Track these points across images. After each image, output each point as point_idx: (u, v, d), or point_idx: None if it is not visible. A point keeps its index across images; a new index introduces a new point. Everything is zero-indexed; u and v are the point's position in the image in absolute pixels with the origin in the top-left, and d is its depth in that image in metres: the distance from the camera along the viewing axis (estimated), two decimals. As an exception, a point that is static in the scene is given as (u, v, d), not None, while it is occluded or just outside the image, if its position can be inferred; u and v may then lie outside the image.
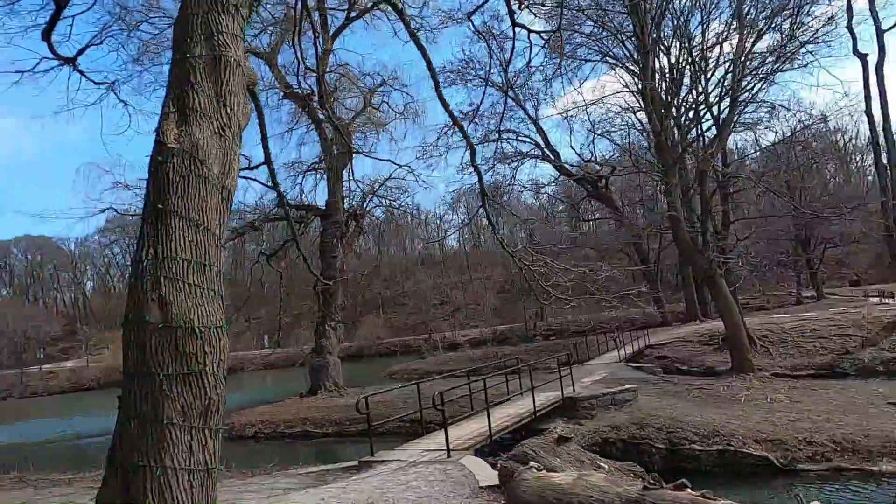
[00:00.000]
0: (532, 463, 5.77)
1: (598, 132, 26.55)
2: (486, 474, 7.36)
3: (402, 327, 68.01)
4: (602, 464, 7.85)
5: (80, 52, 7.49)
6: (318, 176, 22.50)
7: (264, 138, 7.63)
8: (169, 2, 17.07)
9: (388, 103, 21.86)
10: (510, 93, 27.12)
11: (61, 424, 30.81)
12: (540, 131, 30.02)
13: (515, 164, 30.67)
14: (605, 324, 36.45)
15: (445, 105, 7.53)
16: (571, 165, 31.98)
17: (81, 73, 7.89)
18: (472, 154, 8.18)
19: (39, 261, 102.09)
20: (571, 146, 53.64)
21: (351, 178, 22.18)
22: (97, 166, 22.20)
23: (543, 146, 30.27)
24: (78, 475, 9.09)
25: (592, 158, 30.31)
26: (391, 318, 70.37)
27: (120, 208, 20.74)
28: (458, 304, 66.49)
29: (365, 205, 22.95)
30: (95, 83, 9.05)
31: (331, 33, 18.86)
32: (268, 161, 8.11)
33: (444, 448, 8.57)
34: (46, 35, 7.26)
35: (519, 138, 30.50)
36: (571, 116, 27.44)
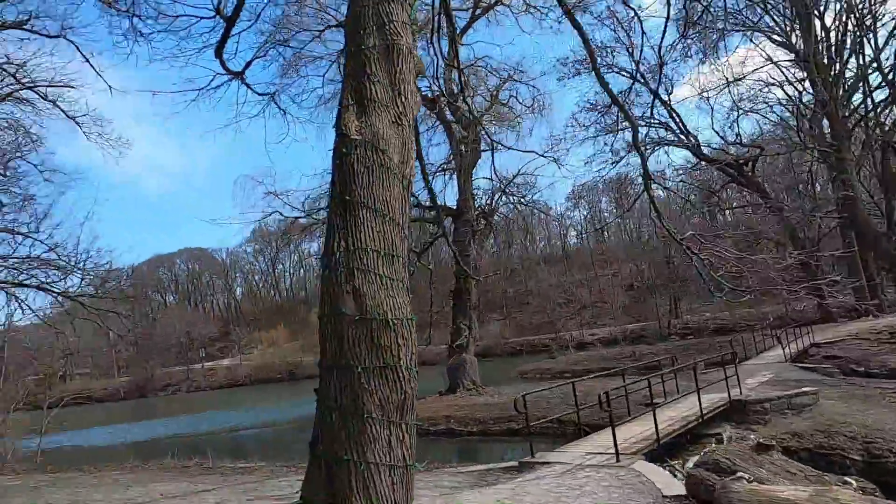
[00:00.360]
0: (741, 473, 5.09)
1: (743, 111, 24.20)
2: (666, 482, 6.72)
3: (527, 326, 67.23)
4: (849, 479, 6.80)
5: (247, 65, 8.03)
6: (447, 176, 22.77)
7: (417, 134, 7.60)
8: (311, 17, 18.07)
9: (516, 97, 21.60)
10: (639, 76, 25.66)
11: (224, 417, 33.89)
12: (673, 115, 28.05)
13: (649, 152, 28.91)
14: (755, 321, 33.22)
15: (603, 83, 7.02)
16: (712, 149, 29.53)
17: (248, 85, 8.50)
18: (635, 134, 7.59)
19: (198, 270, 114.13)
20: (713, 128, 49.47)
21: (493, 172, 22.07)
22: (251, 178, 24.06)
23: (678, 131, 28.26)
24: (254, 464, 9.72)
25: (738, 140, 27.73)
26: (515, 318, 69.91)
27: (270, 216, 22.27)
28: (584, 302, 64.45)
29: (494, 203, 22.85)
30: (259, 94, 9.73)
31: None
32: (420, 158, 8.08)
33: (610, 452, 8.02)
34: (218, 52, 7.75)
35: (650, 125, 28.77)
36: (707, 97, 25.33)
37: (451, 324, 21.61)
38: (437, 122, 23.63)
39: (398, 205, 4.33)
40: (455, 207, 21.71)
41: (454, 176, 23.17)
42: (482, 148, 22.10)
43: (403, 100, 4.67)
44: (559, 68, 26.78)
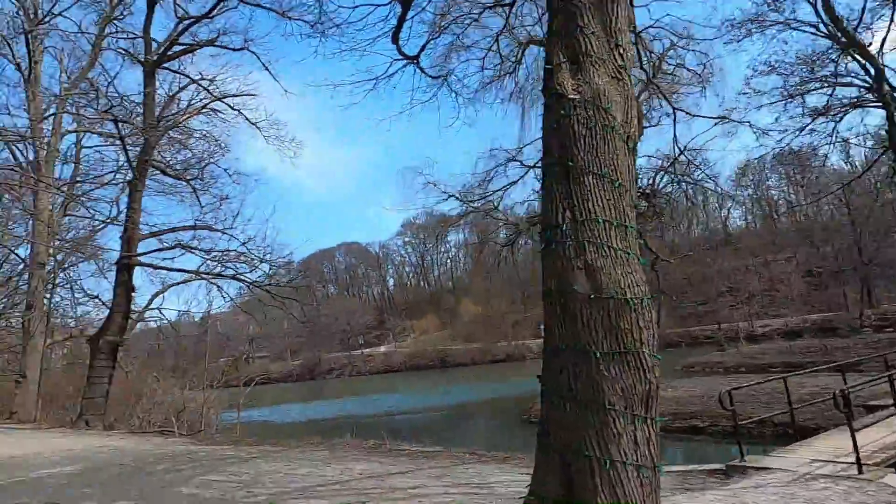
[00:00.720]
0: None
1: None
2: (937, 503, 5.45)
3: (685, 317, 62.66)
4: None
5: (422, 49, 8.02)
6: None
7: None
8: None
9: (684, 65, 19.73)
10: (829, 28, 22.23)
11: (383, 400, 35.64)
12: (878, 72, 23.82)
13: (840, 115, 24.99)
14: None
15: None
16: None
17: (422, 69, 8.53)
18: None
19: (354, 263, 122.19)
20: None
21: (675, 143, 20.33)
22: (412, 169, 24.83)
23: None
24: (431, 448, 9.80)
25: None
26: (673, 307, 65.37)
27: (426, 205, 22.81)
28: (752, 290, 58.26)
29: (657, 183, 21.17)
30: (432, 77, 9.76)
31: None
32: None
33: (845, 461, 6.79)
34: (394, 37, 7.72)
35: (839, 84, 24.81)
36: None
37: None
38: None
39: (625, 169, 3.81)
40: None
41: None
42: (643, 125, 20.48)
43: (621, 52, 4.13)
44: (727, 31, 24.06)
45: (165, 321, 23.74)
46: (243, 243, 16.57)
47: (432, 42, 9.26)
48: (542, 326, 3.77)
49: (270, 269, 16.82)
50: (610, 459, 3.22)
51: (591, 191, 3.64)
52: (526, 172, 18.67)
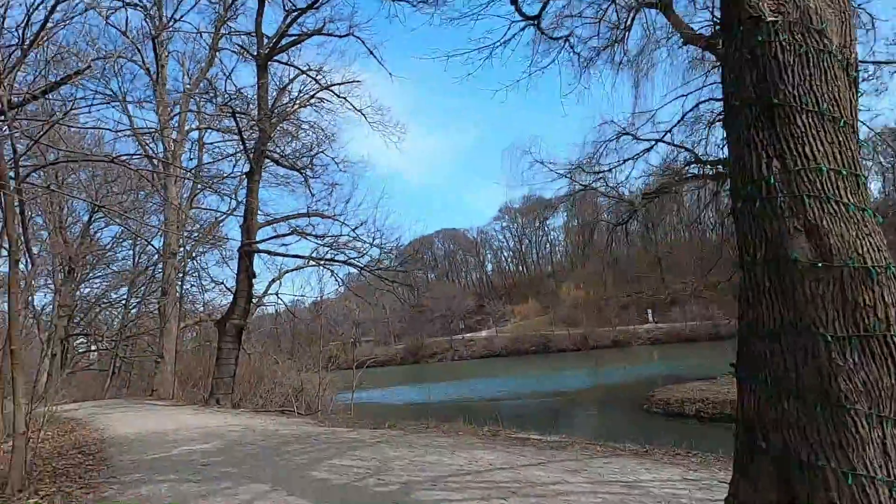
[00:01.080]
0: None
1: None
2: None
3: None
4: None
5: (543, 7, 7.36)
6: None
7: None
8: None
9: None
10: None
11: (486, 385, 35.42)
12: None
13: None
14: None
15: None
16: None
17: (542, 30, 7.87)
18: None
19: (452, 249, 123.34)
20: None
21: None
22: (518, 148, 24.17)
23: None
24: (554, 438, 9.26)
25: None
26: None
27: (535, 185, 22.03)
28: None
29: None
30: (553, 38, 9.06)
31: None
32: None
33: None
34: (513, -2, 7.10)
35: None
36: None
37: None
38: (704, 52, 20.57)
39: (848, 103, 3.00)
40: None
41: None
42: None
43: (832, -43, 3.27)
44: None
45: (282, 306, 24.91)
46: (353, 229, 16.85)
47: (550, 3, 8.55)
48: (740, 302, 3.07)
49: (381, 253, 16.98)
50: (853, 472, 2.50)
51: (807, 132, 2.88)
52: (653, 145, 17.37)
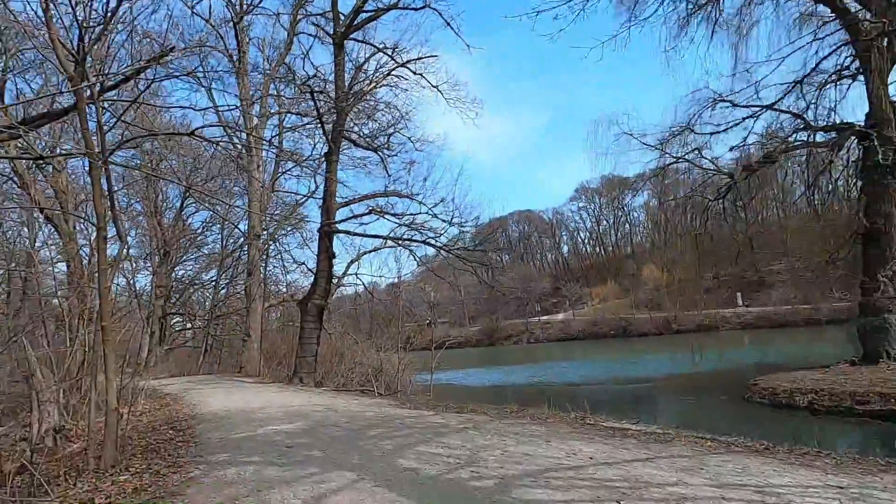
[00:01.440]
0: None
1: None
2: None
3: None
4: None
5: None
6: (847, 85, 17.44)
7: None
8: None
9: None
10: None
11: (563, 369, 34.45)
12: None
13: None
14: None
15: None
16: None
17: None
18: None
19: (527, 231, 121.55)
20: None
21: None
22: (604, 120, 22.88)
23: None
24: (648, 428, 8.46)
25: None
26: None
27: (621, 159, 20.77)
28: None
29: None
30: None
31: None
32: None
33: None
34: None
35: None
36: None
37: (860, 274, 16.81)
38: (816, 6, 18.45)
39: None
40: (863, 124, 16.54)
41: (855, 82, 17.75)
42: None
43: None
44: None
45: (361, 286, 25.11)
46: (431, 208, 16.44)
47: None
48: None
49: (459, 232, 16.50)
50: None
51: None
52: (759, 112, 15.79)
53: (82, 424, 9.56)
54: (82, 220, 17.67)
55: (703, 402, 16.47)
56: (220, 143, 12.61)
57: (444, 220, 16.17)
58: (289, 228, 28.94)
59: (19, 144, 12.40)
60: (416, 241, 17.00)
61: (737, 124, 17.91)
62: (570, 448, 6.37)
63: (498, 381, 31.42)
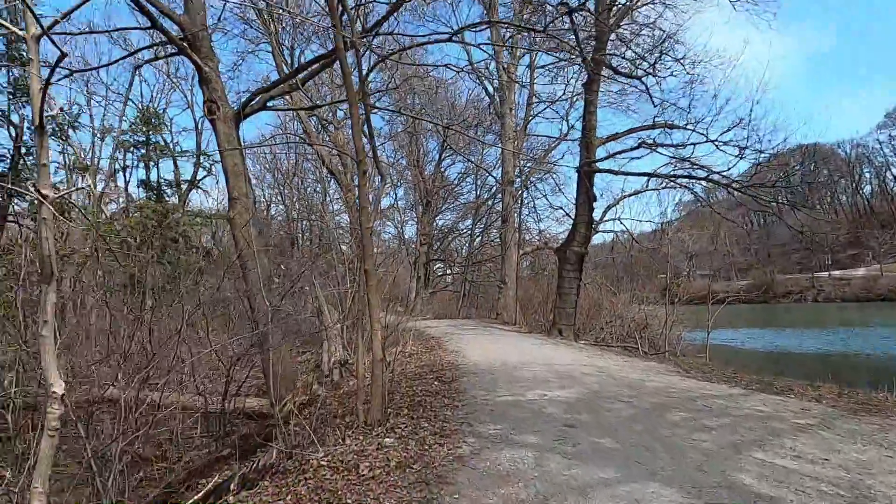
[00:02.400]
0: None
1: None
2: None
3: None
4: None
5: None
6: None
7: None
8: None
9: None
10: None
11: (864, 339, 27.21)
12: None
13: None
14: None
15: None
16: None
17: None
18: None
19: (811, 169, 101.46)
20: None
21: None
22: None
23: None
24: None
25: None
26: None
27: None
28: None
29: None
30: None
31: None
32: None
33: None
34: None
35: None
36: None
37: None
38: None
39: None
40: None
41: None
42: None
43: None
44: None
45: (614, 234, 22.94)
46: (714, 140, 13.29)
47: None
48: None
49: (756, 166, 13.14)
50: None
51: None
52: None
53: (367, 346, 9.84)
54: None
55: None
56: (460, 69, 11.70)
57: (732, 151, 12.93)
58: (542, 174, 27.86)
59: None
60: (696, 177, 14.12)
61: None
62: None
63: (785, 345, 26.32)
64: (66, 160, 22.25)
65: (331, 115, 22.08)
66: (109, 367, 10.43)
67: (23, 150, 15.13)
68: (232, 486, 4.66)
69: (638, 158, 15.54)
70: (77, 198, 22.43)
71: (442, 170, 37.07)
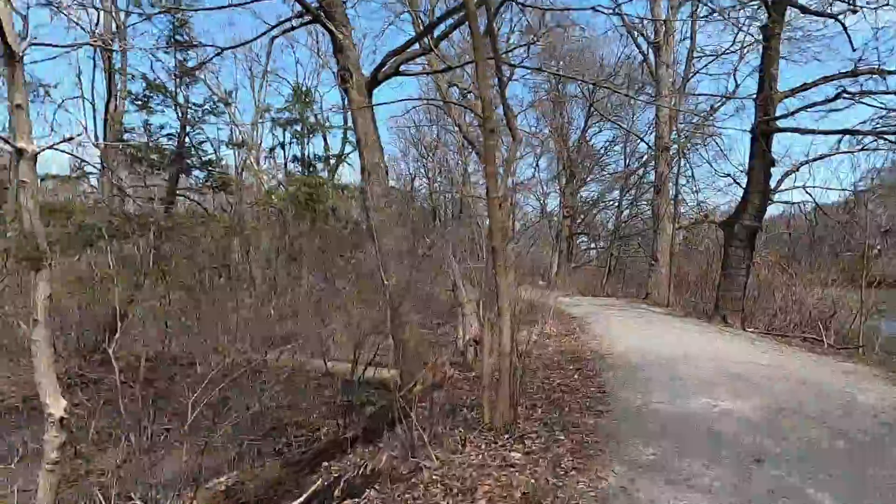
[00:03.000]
0: None
1: None
2: None
3: None
4: None
5: None
6: None
7: None
8: None
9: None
10: None
11: None
12: None
13: None
14: None
15: None
16: None
17: None
18: None
19: None
20: None
21: None
22: None
23: None
24: None
25: None
26: None
27: None
28: None
29: None
30: None
31: None
32: None
33: None
34: None
35: None
36: None
37: None
38: None
39: None
40: None
41: None
42: None
43: None
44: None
45: (804, 202, 19.65)
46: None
47: None
48: None
49: None
50: None
51: None
52: None
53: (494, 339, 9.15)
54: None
55: None
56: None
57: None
58: (704, 137, 24.77)
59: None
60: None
61: None
62: None
63: None
64: (232, 136, 24.00)
65: (470, 83, 21.30)
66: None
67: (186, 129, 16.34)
68: (336, 493, 4.11)
69: (836, 111, 12.50)
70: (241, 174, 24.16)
71: (587, 138, 34.86)
